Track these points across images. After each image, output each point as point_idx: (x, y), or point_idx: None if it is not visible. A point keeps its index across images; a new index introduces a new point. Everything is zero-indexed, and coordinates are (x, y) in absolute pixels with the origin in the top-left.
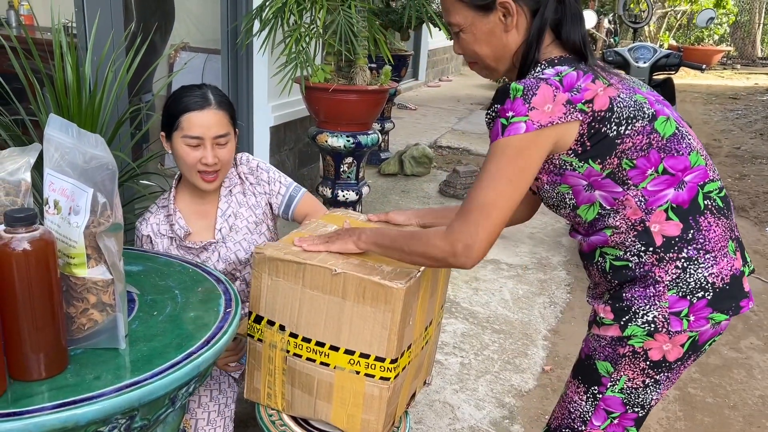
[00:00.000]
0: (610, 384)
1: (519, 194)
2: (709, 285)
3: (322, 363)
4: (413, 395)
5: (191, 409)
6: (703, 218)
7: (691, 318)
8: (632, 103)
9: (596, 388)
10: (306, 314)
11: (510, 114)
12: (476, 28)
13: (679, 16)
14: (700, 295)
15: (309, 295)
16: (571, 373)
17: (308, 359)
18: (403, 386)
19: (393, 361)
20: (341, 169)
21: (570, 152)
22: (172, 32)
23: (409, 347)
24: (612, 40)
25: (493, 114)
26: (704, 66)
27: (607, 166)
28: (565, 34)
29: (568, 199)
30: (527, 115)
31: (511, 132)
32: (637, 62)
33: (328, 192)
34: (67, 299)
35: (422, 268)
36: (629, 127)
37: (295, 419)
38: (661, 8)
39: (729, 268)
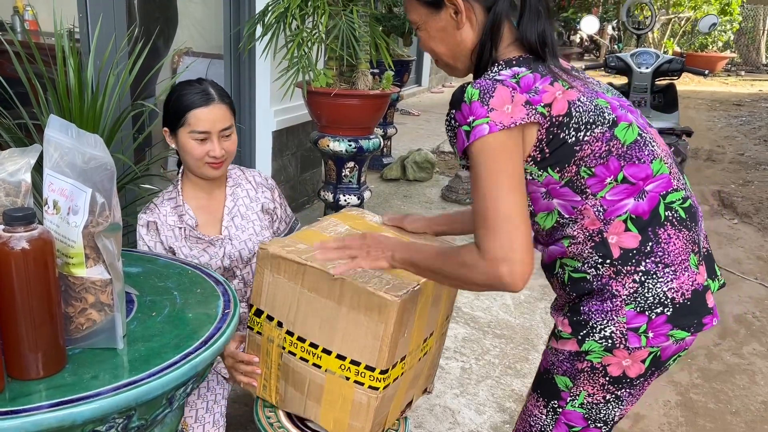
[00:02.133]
0: (569, 398)
1: (524, 189)
2: (668, 300)
3: (314, 364)
4: (410, 402)
5: None
6: (662, 230)
7: (650, 334)
8: (592, 107)
9: (556, 402)
10: (303, 314)
11: (471, 119)
12: (429, 26)
13: (683, 22)
14: (659, 310)
15: (307, 296)
16: (531, 386)
17: (302, 359)
18: (396, 396)
19: (383, 372)
20: (343, 174)
21: (529, 159)
22: (175, 37)
23: (403, 358)
24: (616, 46)
25: (452, 121)
26: (707, 71)
27: (566, 174)
28: (522, 30)
29: None
30: (488, 116)
31: (476, 135)
32: (639, 67)
33: (329, 196)
34: (65, 299)
35: (422, 279)
36: (588, 133)
37: (291, 420)
38: (665, 15)
39: (690, 283)
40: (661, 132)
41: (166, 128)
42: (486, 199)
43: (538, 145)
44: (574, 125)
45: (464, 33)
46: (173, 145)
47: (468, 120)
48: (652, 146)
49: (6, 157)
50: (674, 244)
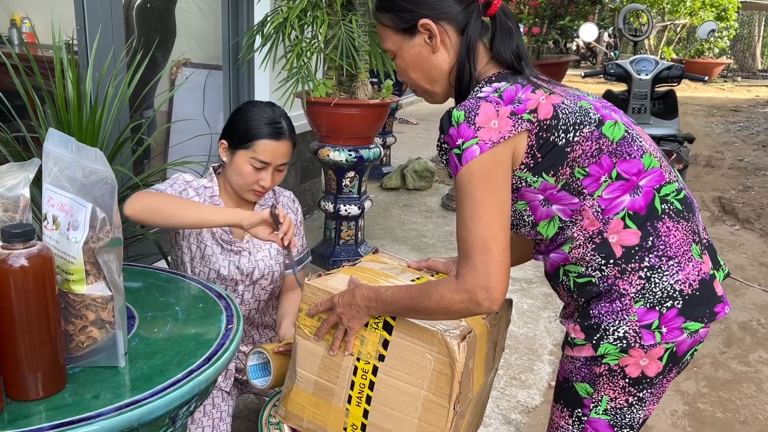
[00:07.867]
0: (592, 405)
1: (506, 217)
2: (677, 293)
3: None
4: None
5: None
6: (661, 223)
7: (663, 330)
8: (577, 108)
9: (580, 410)
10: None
11: (460, 141)
12: (405, 52)
13: (678, 29)
14: (669, 304)
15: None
16: (553, 398)
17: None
18: None
19: None
20: (343, 183)
21: (522, 167)
22: (174, 48)
23: None
24: (612, 53)
25: (444, 146)
26: (706, 77)
27: (561, 177)
28: (496, 49)
29: (526, 216)
30: (476, 137)
31: (468, 158)
32: (639, 74)
33: (330, 206)
34: (65, 316)
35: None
36: (577, 134)
37: None
38: (660, 22)
39: (696, 273)
40: (663, 138)
41: (224, 141)
42: (462, 228)
43: (529, 152)
44: (562, 127)
45: (440, 57)
46: (225, 158)
47: (457, 143)
48: (640, 142)
49: (4, 172)
50: (674, 236)
